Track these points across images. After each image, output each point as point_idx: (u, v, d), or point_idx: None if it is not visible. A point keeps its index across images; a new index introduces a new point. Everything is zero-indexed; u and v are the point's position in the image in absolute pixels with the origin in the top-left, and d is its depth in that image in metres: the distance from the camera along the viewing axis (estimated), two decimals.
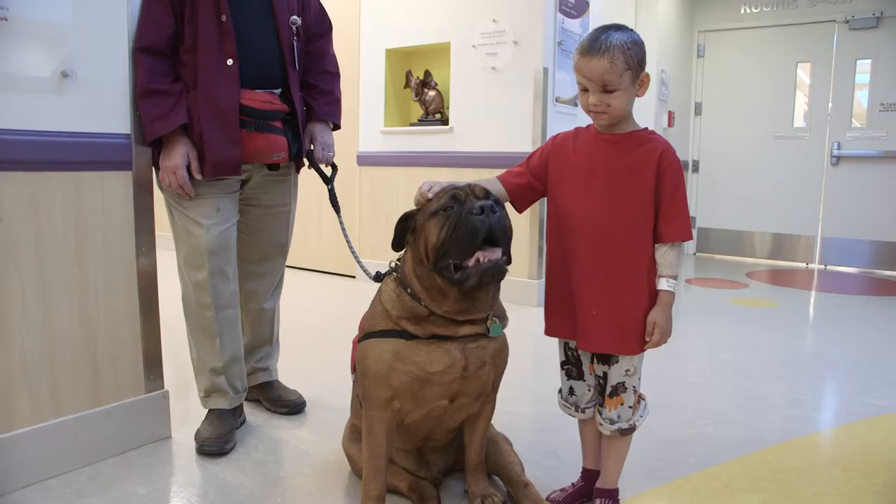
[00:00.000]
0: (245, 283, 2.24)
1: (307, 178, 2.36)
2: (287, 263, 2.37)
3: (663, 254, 1.48)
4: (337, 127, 2.26)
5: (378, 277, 1.65)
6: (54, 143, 1.74)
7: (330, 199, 2.20)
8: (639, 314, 1.49)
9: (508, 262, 1.43)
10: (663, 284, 1.48)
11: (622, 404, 1.56)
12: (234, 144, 1.90)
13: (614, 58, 1.39)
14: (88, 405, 1.88)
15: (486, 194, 1.46)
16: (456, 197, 1.44)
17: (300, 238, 4.23)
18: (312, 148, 2.20)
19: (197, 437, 2.01)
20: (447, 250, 1.40)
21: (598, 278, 1.49)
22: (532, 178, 1.61)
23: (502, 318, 1.58)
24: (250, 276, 2.24)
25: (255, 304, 2.28)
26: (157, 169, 1.97)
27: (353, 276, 4.84)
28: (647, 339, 1.49)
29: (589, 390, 1.62)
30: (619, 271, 1.48)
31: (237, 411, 2.16)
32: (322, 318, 3.75)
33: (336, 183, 2.24)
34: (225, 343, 2.07)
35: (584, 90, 1.46)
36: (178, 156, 1.89)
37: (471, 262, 1.39)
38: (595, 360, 1.58)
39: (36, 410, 1.76)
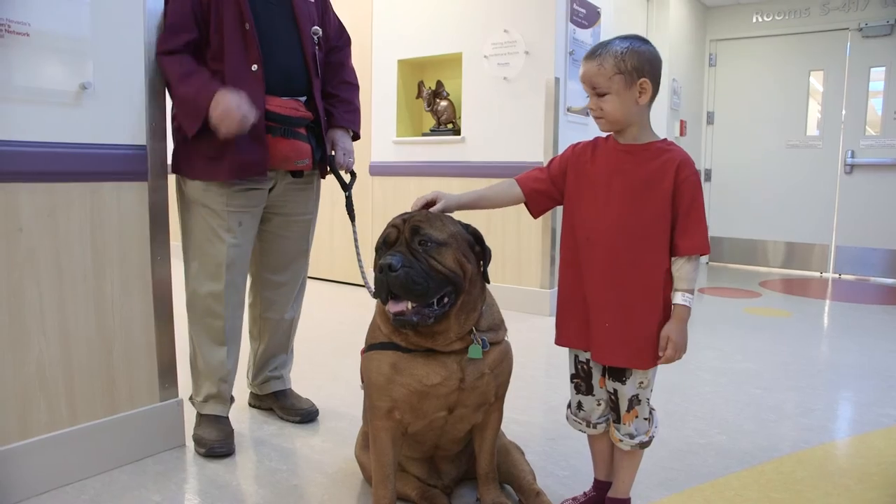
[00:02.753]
0: (264, 291, 2.26)
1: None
2: None
3: (679, 267, 1.46)
4: (357, 136, 2.29)
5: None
6: (72, 155, 1.77)
7: (346, 205, 2.21)
8: (653, 328, 1.46)
9: (417, 309, 1.40)
10: (679, 298, 1.46)
11: (637, 417, 1.54)
12: (261, 146, 1.92)
13: (603, 61, 1.44)
14: (104, 413, 1.90)
15: (414, 234, 1.44)
16: (387, 239, 1.47)
17: (312, 247, 4.24)
18: (334, 153, 2.22)
19: (201, 441, 2.03)
20: None
21: (612, 290, 1.47)
22: (551, 185, 1.60)
23: (497, 331, 1.57)
24: (270, 285, 2.25)
25: (275, 313, 2.29)
26: (180, 175, 2.02)
27: (362, 286, 4.85)
28: (661, 353, 1.47)
29: (598, 405, 1.60)
30: (634, 284, 1.46)
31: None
32: (334, 327, 3.76)
33: (355, 191, 2.26)
34: (231, 353, 2.10)
35: (588, 96, 1.51)
36: (233, 95, 1.81)
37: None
38: (607, 376, 1.56)
39: (53, 418, 1.79)
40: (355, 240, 2.20)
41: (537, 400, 2.58)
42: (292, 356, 2.44)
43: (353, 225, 2.22)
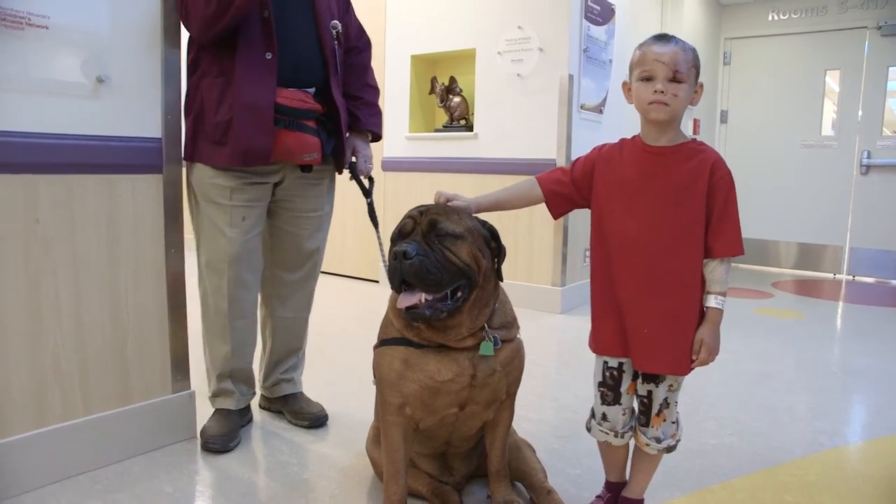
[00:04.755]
0: (275, 289, 2.24)
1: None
2: None
3: (712, 269, 1.44)
4: (377, 138, 2.30)
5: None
6: (89, 147, 1.78)
7: (369, 212, 2.20)
8: (692, 334, 1.45)
9: (430, 303, 1.41)
10: (712, 301, 1.44)
11: (665, 420, 1.53)
12: (266, 134, 1.90)
13: (685, 50, 1.41)
14: (117, 404, 1.91)
15: (431, 226, 1.44)
16: (403, 229, 1.48)
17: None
18: (355, 160, 2.22)
19: (202, 434, 2.05)
20: None
21: (650, 297, 1.45)
22: (573, 189, 1.57)
23: (510, 328, 1.57)
24: (280, 282, 2.24)
25: (286, 312, 2.27)
26: (186, 159, 2.01)
27: (377, 281, 4.86)
28: (694, 357, 1.45)
29: (623, 414, 1.55)
30: (674, 290, 1.44)
31: (244, 410, 2.20)
32: (346, 322, 3.77)
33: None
34: (237, 351, 2.09)
35: (647, 80, 1.41)
36: None
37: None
38: (640, 380, 1.54)
39: (67, 408, 1.80)
40: (380, 246, 2.16)
41: (549, 397, 2.57)
42: (304, 359, 2.41)
43: (378, 231, 2.20)
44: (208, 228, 2.02)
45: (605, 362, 1.56)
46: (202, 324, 2.12)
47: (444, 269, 1.41)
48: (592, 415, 1.62)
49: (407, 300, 1.41)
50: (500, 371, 1.52)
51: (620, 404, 1.55)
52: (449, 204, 1.55)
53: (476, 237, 1.49)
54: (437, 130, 4.62)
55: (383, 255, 2.11)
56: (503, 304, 1.59)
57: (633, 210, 1.46)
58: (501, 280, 1.57)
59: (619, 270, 1.49)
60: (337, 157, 2.15)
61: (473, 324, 1.48)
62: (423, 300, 1.40)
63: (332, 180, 2.27)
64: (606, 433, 1.58)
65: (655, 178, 1.45)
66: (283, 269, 2.23)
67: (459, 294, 1.45)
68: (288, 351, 2.33)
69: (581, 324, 3.60)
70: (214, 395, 2.14)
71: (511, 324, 1.59)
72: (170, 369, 2.03)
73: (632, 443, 1.61)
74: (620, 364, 1.54)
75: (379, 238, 2.19)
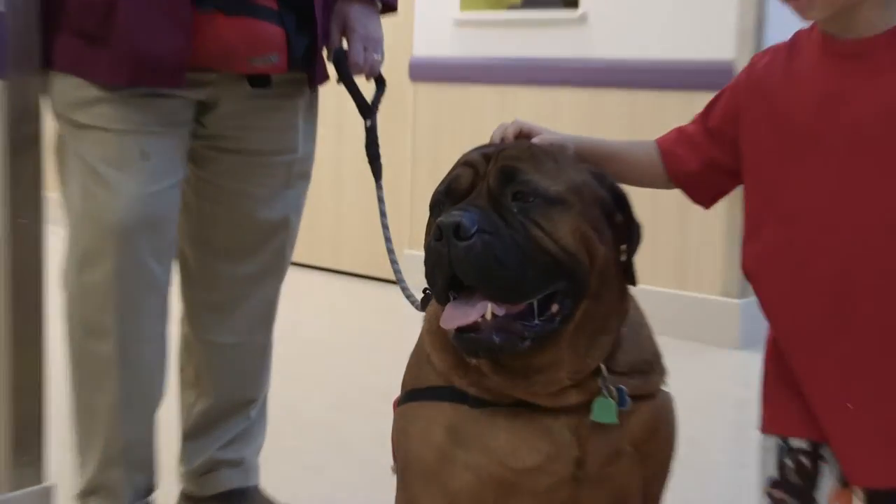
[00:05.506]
0: (206, 293, 2.27)
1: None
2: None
3: None
4: (390, 8, 2.31)
5: (426, 302, 1.70)
6: None
7: (367, 146, 2.23)
8: None
9: (502, 321, 1.38)
10: None
11: None
12: (179, 28, 1.91)
13: None
14: None
15: (505, 180, 1.42)
16: (454, 185, 1.47)
17: (305, 218, 4.38)
18: (346, 46, 2.21)
19: None
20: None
21: (849, 335, 1.38)
22: (715, 151, 1.57)
23: (648, 374, 1.55)
24: (215, 281, 2.27)
25: (226, 335, 2.30)
26: (51, 70, 2.01)
27: (394, 282, 4.86)
28: None
29: None
30: None
31: None
32: (339, 354, 3.85)
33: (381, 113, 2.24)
34: (129, 409, 2.10)
35: None
36: None
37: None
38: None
39: None
40: (381, 209, 2.18)
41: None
42: (263, 422, 2.45)
43: (378, 182, 2.21)
44: (78, 178, 2.00)
45: (783, 443, 1.51)
46: (69, 361, 2.10)
47: (529, 260, 1.36)
48: None
49: (459, 316, 1.36)
50: (632, 454, 1.48)
51: None
52: (534, 142, 1.54)
53: (587, 203, 1.45)
54: (511, 8, 4.66)
55: (386, 227, 2.21)
56: (636, 328, 1.58)
57: (807, 169, 1.41)
58: (633, 283, 1.53)
59: (785, 289, 1.47)
60: (310, 64, 2.16)
61: (581, 364, 1.44)
62: (488, 316, 1.35)
63: (313, 102, 2.30)
64: None
65: (851, 101, 1.37)
66: (220, 257, 2.24)
67: (556, 307, 1.40)
68: (231, 407, 2.34)
69: None
70: (85, 494, 2.12)
71: (650, 366, 1.57)
72: (8, 446, 2.05)
73: None
74: (815, 448, 1.47)
75: (380, 195, 2.19)
